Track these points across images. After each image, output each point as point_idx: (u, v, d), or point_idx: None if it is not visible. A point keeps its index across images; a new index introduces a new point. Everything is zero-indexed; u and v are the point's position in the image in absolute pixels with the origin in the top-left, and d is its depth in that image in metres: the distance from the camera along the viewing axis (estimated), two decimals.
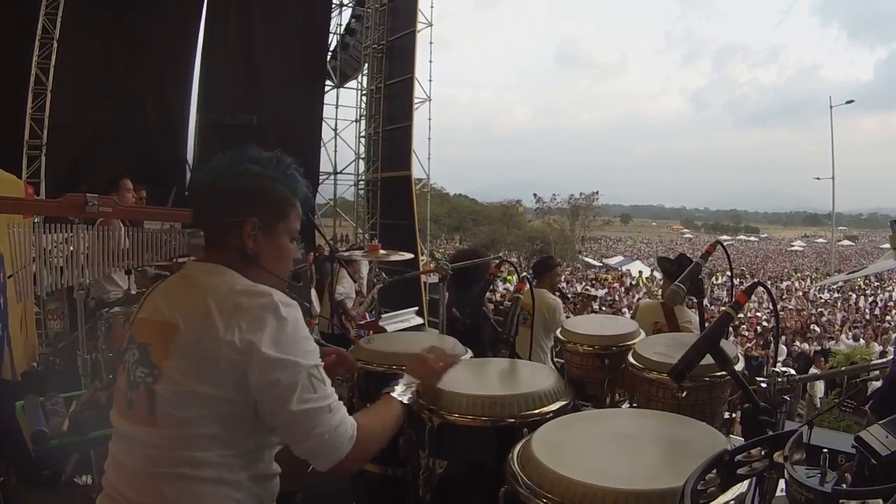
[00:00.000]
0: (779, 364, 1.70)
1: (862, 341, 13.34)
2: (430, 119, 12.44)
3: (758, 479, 1.14)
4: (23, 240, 2.43)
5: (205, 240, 1.37)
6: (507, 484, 1.29)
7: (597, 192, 54.06)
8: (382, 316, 4.69)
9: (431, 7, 12.14)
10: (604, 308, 18.08)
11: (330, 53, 12.46)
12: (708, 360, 1.36)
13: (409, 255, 3.59)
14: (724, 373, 1.53)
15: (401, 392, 1.48)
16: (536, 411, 1.59)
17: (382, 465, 1.92)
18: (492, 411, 1.57)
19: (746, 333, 14.54)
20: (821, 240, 78.74)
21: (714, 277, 24.73)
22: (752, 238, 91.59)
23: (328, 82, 12.42)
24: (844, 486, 0.97)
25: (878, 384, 3.07)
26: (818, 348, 12.70)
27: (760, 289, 1.66)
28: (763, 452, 1.04)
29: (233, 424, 1.21)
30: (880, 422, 1.01)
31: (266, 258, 1.34)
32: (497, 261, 2.80)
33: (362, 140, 12.95)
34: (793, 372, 1.62)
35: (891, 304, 21.76)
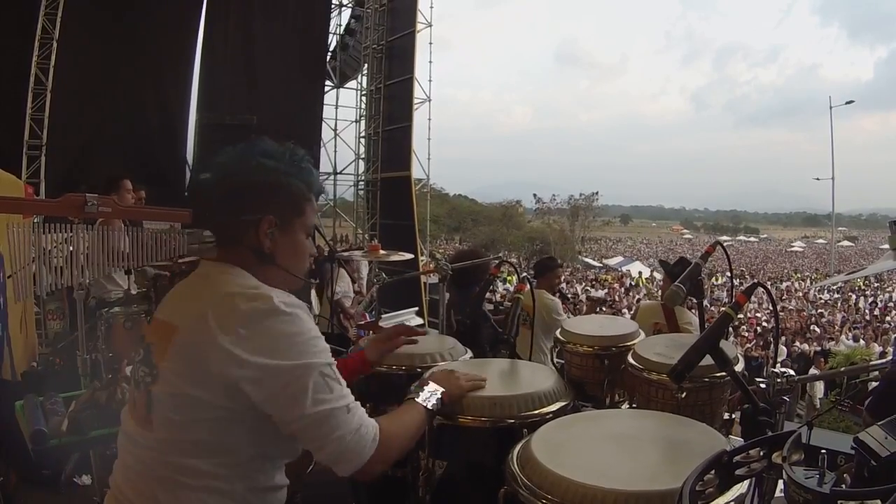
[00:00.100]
0: (778, 365, 1.70)
1: (862, 342, 13.35)
2: (429, 119, 12.48)
3: (757, 480, 1.14)
4: (22, 240, 2.43)
5: (216, 239, 1.32)
6: (507, 485, 1.29)
7: (597, 193, 54.12)
8: (382, 316, 4.69)
9: (431, 7, 12.17)
10: (604, 309, 18.08)
11: (330, 53, 12.48)
12: (707, 360, 1.36)
13: (408, 256, 3.59)
14: (723, 373, 1.53)
15: (425, 398, 1.44)
16: (536, 412, 1.59)
17: None
18: (491, 412, 1.57)
19: (746, 334, 14.55)
20: (821, 240, 78.80)
21: (714, 278, 24.73)
22: (752, 239, 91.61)
23: (328, 82, 12.43)
24: (843, 487, 0.97)
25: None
26: (818, 349, 12.71)
27: (760, 289, 1.66)
28: (762, 453, 1.04)
29: (226, 432, 1.16)
30: (879, 423, 1.01)
31: (282, 256, 1.29)
32: (497, 261, 2.80)
33: (362, 140, 12.96)
34: (792, 372, 1.62)
35: (891, 304, 21.77)
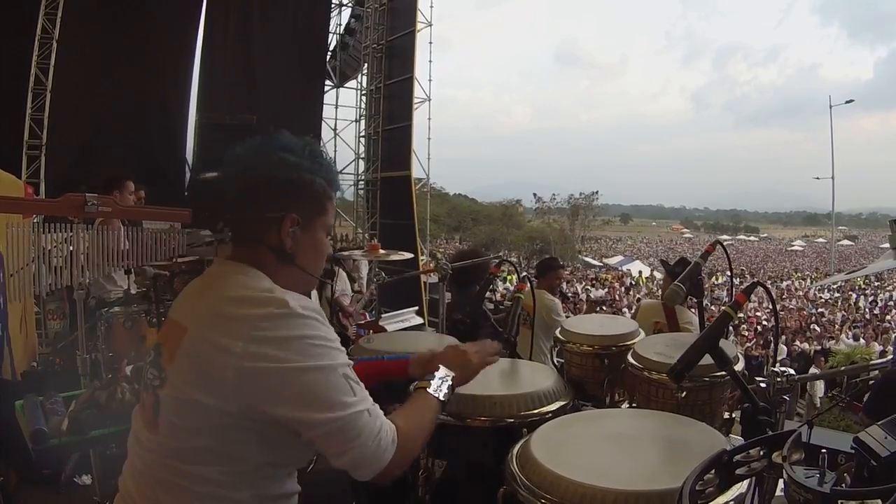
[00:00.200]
0: (778, 364, 1.70)
1: (862, 341, 13.35)
2: (429, 119, 12.46)
3: (757, 480, 1.14)
4: (22, 240, 2.43)
5: (232, 237, 1.27)
6: (507, 484, 1.29)
7: (597, 192, 54.22)
8: (382, 316, 4.70)
9: (431, 7, 12.17)
10: (604, 308, 18.08)
11: (329, 53, 12.47)
12: (707, 360, 1.36)
13: (408, 255, 3.59)
14: (723, 373, 1.52)
15: (437, 387, 1.36)
16: (536, 411, 1.59)
17: None
18: (491, 411, 1.57)
19: (746, 333, 14.55)
20: (821, 239, 78.77)
21: (714, 277, 24.73)
22: (752, 238, 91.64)
23: (328, 82, 12.42)
24: (843, 486, 0.97)
25: None
26: (818, 348, 12.71)
27: (760, 288, 1.66)
28: (762, 452, 1.04)
29: (234, 439, 1.11)
30: (879, 423, 1.00)
31: (302, 256, 1.24)
32: (497, 261, 2.80)
33: (362, 140, 12.96)
34: (792, 372, 1.61)
35: (891, 303, 21.77)
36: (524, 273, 2.49)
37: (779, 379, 1.58)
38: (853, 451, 1.01)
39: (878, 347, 12.34)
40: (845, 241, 74.11)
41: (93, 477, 2.58)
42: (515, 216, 45.88)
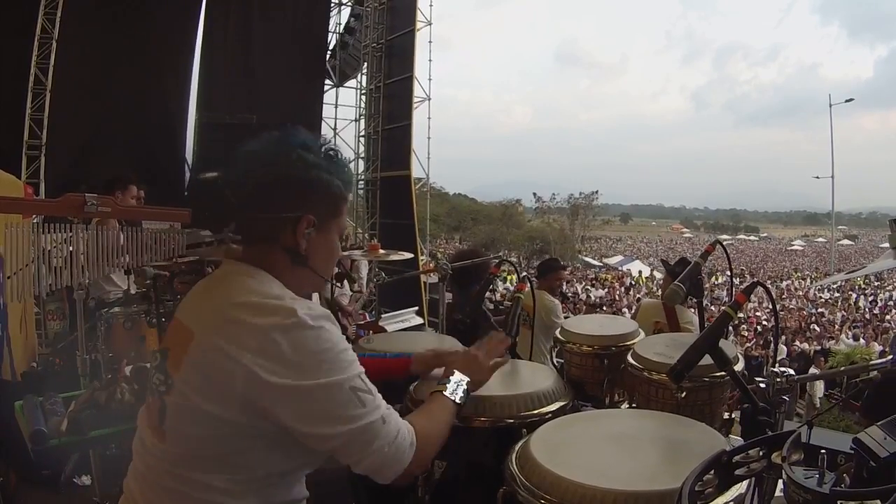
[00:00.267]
0: (777, 364, 1.70)
1: (862, 341, 13.36)
2: (429, 118, 12.50)
3: (756, 480, 1.14)
4: (22, 240, 2.42)
5: (243, 236, 1.23)
6: (506, 485, 1.29)
7: (596, 192, 54.30)
8: (382, 316, 4.70)
9: (431, 6, 12.20)
10: (604, 308, 18.08)
11: (329, 52, 12.47)
12: (707, 360, 1.36)
13: (408, 255, 3.59)
14: (723, 373, 1.52)
15: (452, 390, 1.38)
16: (536, 412, 1.59)
17: None
18: (491, 411, 1.57)
19: (746, 333, 14.56)
20: (820, 239, 78.83)
21: (714, 277, 24.74)
22: (752, 237, 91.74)
23: (327, 81, 12.44)
24: (843, 486, 0.97)
25: None
26: (818, 348, 12.73)
27: (760, 288, 1.66)
28: (761, 453, 1.04)
29: (241, 449, 1.09)
30: (879, 423, 1.00)
31: (315, 258, 1.21)
32: (497, 260, 2.80)
33: (362, 139, 12.97)
34: (792, 372, 1.61)
35: (891, 303, 21.80)
36: (524, 273, 2.49)
37: (778, 379, 1.58)
38: (852, 452, 1.01)
39: (878, 347, 12.35)
40: (845, 241, 74.19)
41: (92, 477, 2.58)
42: (515, 216, 45.91)
